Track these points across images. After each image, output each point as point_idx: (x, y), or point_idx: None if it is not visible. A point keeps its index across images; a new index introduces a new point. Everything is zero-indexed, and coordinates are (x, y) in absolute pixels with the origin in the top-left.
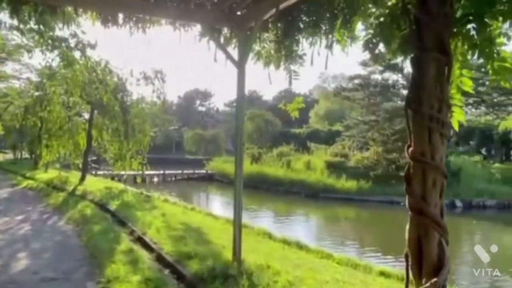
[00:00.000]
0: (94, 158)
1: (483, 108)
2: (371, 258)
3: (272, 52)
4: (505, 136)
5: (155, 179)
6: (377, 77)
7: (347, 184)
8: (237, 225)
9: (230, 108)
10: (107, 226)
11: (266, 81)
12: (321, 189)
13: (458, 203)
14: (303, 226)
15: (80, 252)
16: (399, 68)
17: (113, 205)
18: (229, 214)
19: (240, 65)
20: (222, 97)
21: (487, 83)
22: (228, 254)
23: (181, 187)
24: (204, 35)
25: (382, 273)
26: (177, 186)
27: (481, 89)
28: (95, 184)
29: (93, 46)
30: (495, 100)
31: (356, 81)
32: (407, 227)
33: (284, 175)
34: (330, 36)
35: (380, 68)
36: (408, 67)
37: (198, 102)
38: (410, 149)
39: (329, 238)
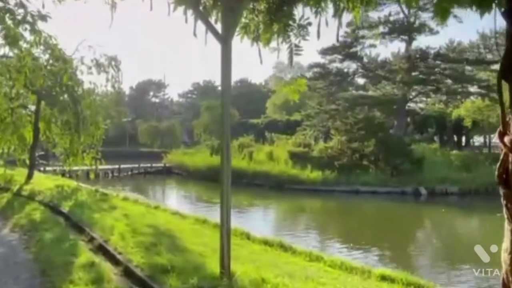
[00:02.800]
0: (42, 153)
1: (439, 97)
2: (338, 249)
3: (262, 26)
4: (457, 124)
5: (110, 175)
6: (337, 65)
7: (312, 174)
8: (226, 232)
9: (185, 99)
10: (60, 232)
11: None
12: (285, 180)
13: (423, 191)
14: (268, 219)
15: (28, 268)
16: (359, 57)
17: (66, 207)
18: (195, 211)
19: (225, 39)
20: (176, 87)
21: (445, 71)
22: (212, 265)
23: (138, 182)
24: (181, 3)
25: (384, 277)
26: (134, 182)
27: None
28: (44, 182)
29: (43, 18)
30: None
31: (316, 70)
32: (505, 245)
33: (247, 167)
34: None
35: (340, 56)
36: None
37: (151, 93)
38: (508, 137)
39: (295, 230)
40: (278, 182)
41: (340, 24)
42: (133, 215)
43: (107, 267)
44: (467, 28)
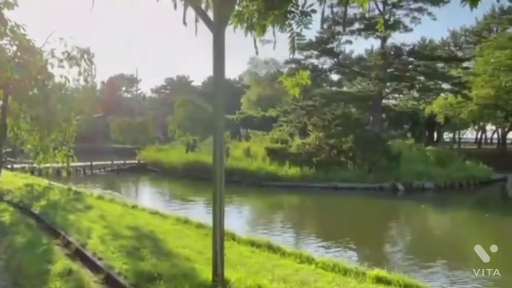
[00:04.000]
0: (9, 150)
1: (413, 93)
2: (315, 245)
3: (256, 14)
4: (429, 120)
5: (82, 172)
6: (313, 61)
7: (290, 171)
8: (219, 237)
9: (158, 95)
10: (33, 236)
11: (195, 64)
12: (263, 177)
13: (400, 187)
14: (244, 216)
15: None
16: (335, 53)
17: (37, 207)
18: (174, 210)
19: (218, 28)
20: (149, 82)
21: (418, 68)
22: (203, 272)
23: (112, 180)
24: None
25: (379, 279)
26: (107, 179)
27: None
28: (12, 180)
29: (10, 5)
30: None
31: (293, 66)
32: None
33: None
34: None
35: (316, 52)
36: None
37: (124, 88)
38: None
39: (271, 227)
40: (256, 178)
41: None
42: (110, 215)
43: (86, 274)
44: (438, 26)
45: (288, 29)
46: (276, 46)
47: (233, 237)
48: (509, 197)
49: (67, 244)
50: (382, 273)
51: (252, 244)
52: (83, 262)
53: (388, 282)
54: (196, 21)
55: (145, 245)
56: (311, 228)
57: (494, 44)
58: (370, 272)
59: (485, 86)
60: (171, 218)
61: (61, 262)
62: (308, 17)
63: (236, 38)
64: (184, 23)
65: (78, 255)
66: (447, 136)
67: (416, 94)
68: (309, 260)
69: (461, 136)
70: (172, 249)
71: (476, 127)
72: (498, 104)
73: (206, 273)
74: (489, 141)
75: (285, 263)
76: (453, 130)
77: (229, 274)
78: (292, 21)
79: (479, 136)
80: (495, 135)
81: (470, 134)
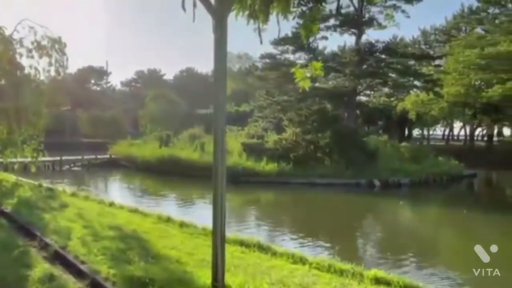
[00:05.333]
0: None
1: (386, 90)
2: (291, 241)
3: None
4: (401, 117)
5: (51, 167)
6: (288, 56)
7: (268, 167)
8: (220, 240)
9: (128, 88)
10: (5, 238)
11: (165, 58)
12: (240, 173)
13: (377, 183)
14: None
15: None
16: (311, 48)
17: (8, 205)
18: (152, 206)
19: (219, 13)
20: (119, 75)
21: (391, 65)
22: (200, 276)
23: (83, 175)
24: None
25: (378, 280)
26: (78, 175)
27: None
28: None
29: None
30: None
31: (268, 60)
32: None
33: (199, 159)
34: None
35: (292, 47)
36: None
37: (93, 81)
38: None
39: (246, 223)
40: (232, 174)
41: None
42: (88, 214)
43: (69, 280)
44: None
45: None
46: (249, 41)
47: None
48: (478, 192)
49: (44, 247)
50: (381, 273)
51: (241, 243)
52: (64, 266)
53: (387, 283)
54: (194, 6)
55: (130, 246)
56: (287, 224)
57: (464, 43)
58: (367, 273)
59: (456, 84)
60: (151, 216)
61: (40, 266)
62: (323, 2)
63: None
64: (183, 8)
65: (58, 258)
66: (417, 133)
67: (388, 91)
68: (302, 260)
69: (431, 132)
70: (160, 250)
71: (445, 123)
72: (468, 102)
73: (202, 277)
74: (455, 137)
75: (278, 263)
76: (423, 127)
77: (227, 278)
78: (305, 7)
79: (446, 132)
80: (462, 132)
81: (439, 130)
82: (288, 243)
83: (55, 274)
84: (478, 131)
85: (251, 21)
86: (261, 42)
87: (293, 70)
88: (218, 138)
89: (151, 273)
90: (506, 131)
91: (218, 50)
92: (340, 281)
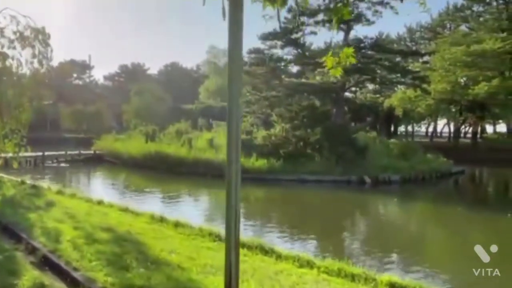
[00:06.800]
0: None
1: (374, 86)
2: (279, 239)
3: None
4: (388, 113)
5: (33, 163)
6: (276, 51)
7: (258, 163)
8: (234, 245)
9: (112, 82)
10: None
11: (150, 52)
12: None
13: (367, 179)
14: (204, 209)
15: None
16: (300, 44)
17: None
18: (142, 204)
19: None
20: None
21: (380, 62)
22: (208, 285)
23: (67, 171)
24: None
25: (393, 286)
26: (61, 171)
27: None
28: None
29: None
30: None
31: (256, 55)
32: None
33: (187, 155)
34: None
35: (280, 42)
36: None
37: (75, 75)
38: None
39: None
40: (221, 170)
41: None
42: (77, 214)
43: None
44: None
45: None
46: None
47: (219, 237)
48: (469, 190)
49: (32, 251)
50: (395, 278)
51: (242, 245)
52: (55, 273)
53: None
54: None
55: (126, 250)
56: (275, 221)
57: (450, 40)
58: (381, 278)
59: (442, 81)
60: (144, 215)
61: (28, 274)
62: None
63: (197, 26)
64: None
65: (47, 264)
66: (402, 129)
67: (375, 87)
68: (310, 264)
69: (415, 129)
70: (158, 254)
71: (430, 120)
72: (454, 99)
73: (211, 286)
74: (439, 134)
75: (285, 267)
76: (408, 124)
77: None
78: None
79: (430, 129)
80: (445, 129)
81: (423, 127)
82: (276, 240)
83: (46, 283)
84: (461, 128)
85: (246, 15)
86: (280, 27)
87: (324, 58)
88: (232, 133)
89: (153, 280)
90: (489, 128)
91: (233, 37)
92: (353, 287)
